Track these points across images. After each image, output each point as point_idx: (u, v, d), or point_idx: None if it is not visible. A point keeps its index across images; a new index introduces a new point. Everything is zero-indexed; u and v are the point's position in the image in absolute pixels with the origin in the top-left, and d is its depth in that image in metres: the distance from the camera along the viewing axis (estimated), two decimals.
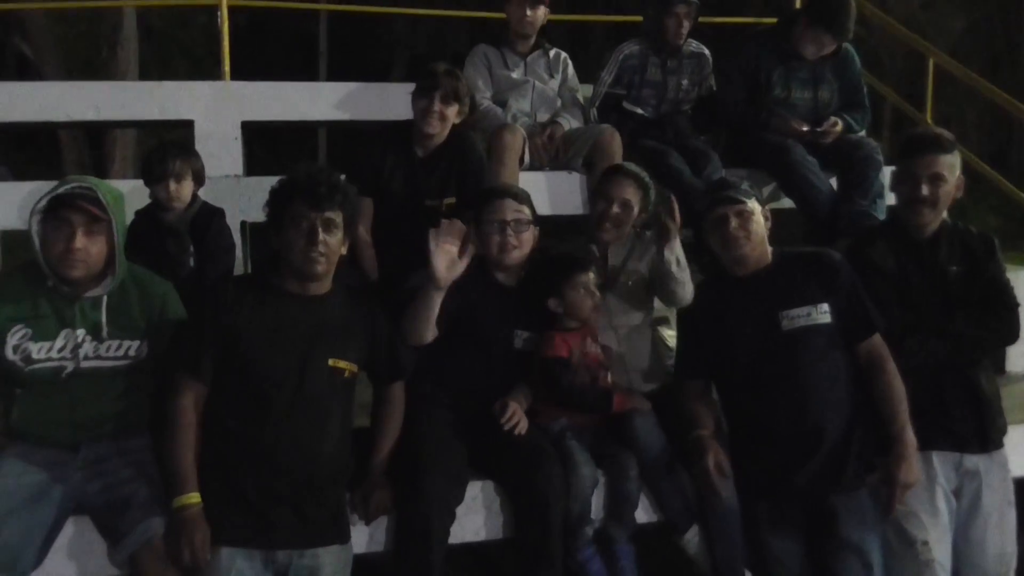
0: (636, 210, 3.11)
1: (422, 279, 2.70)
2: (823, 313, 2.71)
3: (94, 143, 12.56)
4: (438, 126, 3.25)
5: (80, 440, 2.46)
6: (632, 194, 3.10)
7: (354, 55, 15.39)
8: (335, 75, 15.41)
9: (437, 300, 2.68)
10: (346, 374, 2.54)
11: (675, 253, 2.87)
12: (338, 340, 2.54)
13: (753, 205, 2.77)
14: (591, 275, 2.86)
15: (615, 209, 3.08)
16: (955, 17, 13.95)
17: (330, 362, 2.50)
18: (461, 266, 2.67)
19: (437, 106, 3.23)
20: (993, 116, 12.88)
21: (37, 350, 2.43)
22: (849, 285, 2.74)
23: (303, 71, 15.76)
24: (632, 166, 3.26)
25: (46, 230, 2.41)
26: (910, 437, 2.64)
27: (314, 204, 2.46)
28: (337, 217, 2.51)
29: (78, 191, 2.42)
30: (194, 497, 2.32)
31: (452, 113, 3.28)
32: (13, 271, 2.55)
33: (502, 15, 4.28)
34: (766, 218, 2.82)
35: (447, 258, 2.64)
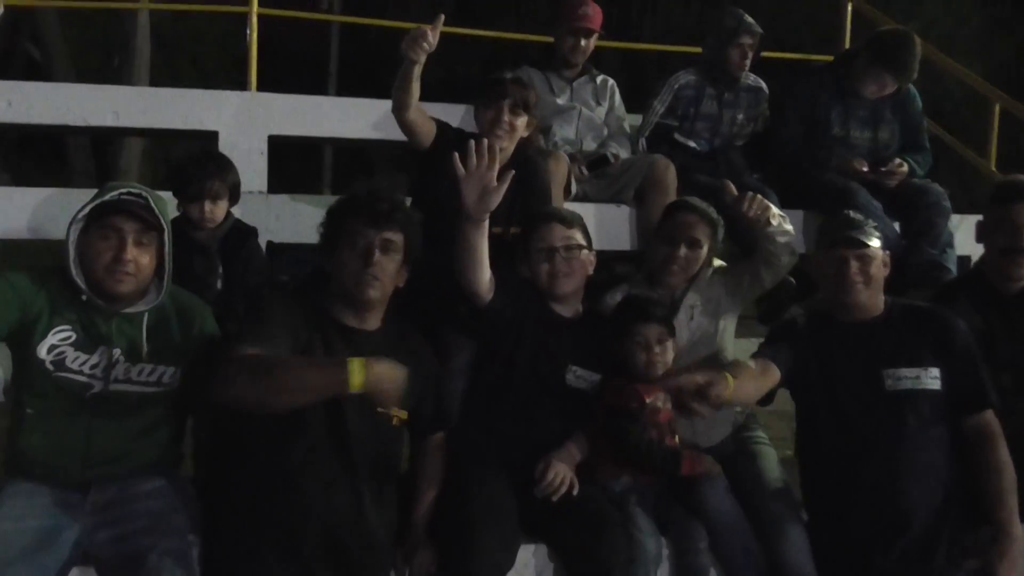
0: (705, 250, 2.81)
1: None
2: (933, 379, 2.47)
3: (99, 151, 12.34)
4: (507, 139, 2.96)
5: (91, 479, 2.21)
6: (701, 232, 2.80)
7: (365, 74, 15.27)
8: (345, 94, 15.26)
9: (476, 236, 2.42)
10: (394, 422, 2.29)
11: (776, 217, 2.68)
12: None
13: (876, 249, 2.54)
14: (656, 329, 2.60)
15: (682, 251, 2.78)
16: (986, 51, 13.75)
17: (379, 409, 2.25)
18: (497, 196, 2.38)
19: (506, 116, 2.95)
20: None
21: (74, 359, 2.21)
22: (965, 351, 2.51)
23: (313, 89, 15.59)
24: (697, 201, 2.95)
25: (88, 240, 2.19)
26: (1017, 531, 2.37)
27: (372, 222, 2.26)
28: (397, 239, 2.30)
29: (128, 197, 2.20)
30: None
31: (521, 125, 3.00)
32: (43, 274, 2.27)
33: (519, 36, 4.11)
34: (885, 264, 2.58)
35: (479, 186, 2.36)
